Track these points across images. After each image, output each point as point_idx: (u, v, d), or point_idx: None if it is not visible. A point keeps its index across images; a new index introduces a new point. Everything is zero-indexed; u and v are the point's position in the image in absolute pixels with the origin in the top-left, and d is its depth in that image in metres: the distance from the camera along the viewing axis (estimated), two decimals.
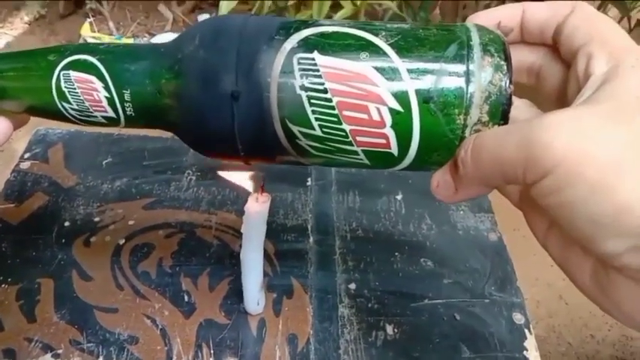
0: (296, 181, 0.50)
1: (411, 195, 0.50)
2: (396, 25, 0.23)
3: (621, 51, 0.21)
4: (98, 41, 0.30)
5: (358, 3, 1.28)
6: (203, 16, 1.59)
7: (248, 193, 0.32)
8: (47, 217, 0.44)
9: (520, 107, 0.25)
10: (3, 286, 0.39)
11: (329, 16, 1.35)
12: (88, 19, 1.51)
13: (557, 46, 0.24)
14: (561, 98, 0.24)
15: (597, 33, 0.22)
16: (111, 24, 1.54)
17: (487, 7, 1.50)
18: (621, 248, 0.17)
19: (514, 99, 0.24)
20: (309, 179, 0.50)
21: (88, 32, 1.42)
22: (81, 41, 1.41)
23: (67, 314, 0.37)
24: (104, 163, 0.50)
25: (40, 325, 0.36)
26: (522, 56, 0.26)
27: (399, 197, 0.49)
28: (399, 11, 1.50)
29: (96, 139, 0.52)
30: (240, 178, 0.30)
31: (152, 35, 1.48)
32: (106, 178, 0.48)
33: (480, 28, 0.23)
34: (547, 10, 0.24)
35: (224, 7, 1.18)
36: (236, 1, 1.18)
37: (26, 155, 0.50)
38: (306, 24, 0.24)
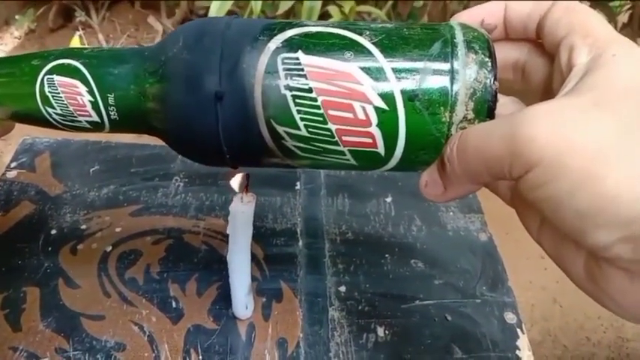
0: (285, 185, 0.50)
1: (401, 197, 0.49)
2: (380, 25, 0.23)
3: (603, 40, 0.21)
4: (83, 46, 0.29)
5: (347, 12, 1.29)
6: None
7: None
8: (33, 225, 0.44)
9: (507, 104, 0.25)
10: None
11: None
12: (78, 32, 1.51)
13: (540, 41, 0.24)
14: (547, 92, 0.24)
15: (578, 23, 0.22)
16: (100, 36, 1.55)
17: None
18: (610, 239, 0.17)
19: (500, 96, 0.24)
20: (297, 183, 0.50)
21: (77, 45, 1.42)
22: None
23: (52, 322, 0.37)
24: (91, 170, 0.49)
25: (26, 334, 0.36)
26: (507, 53, 0.26)
27: (388, 199, 0.49)
28: (388, 19, 1.51)
29: (83, 147, 0.52)
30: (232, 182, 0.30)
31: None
32: (93, 185, 0.48)
33: (464, 27, 0.23)
34: (529, 5, 0.24)
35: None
36: (223, 13, 1.19)
37: (13, 164, 0.50)
38: (290, 25, 0.24)
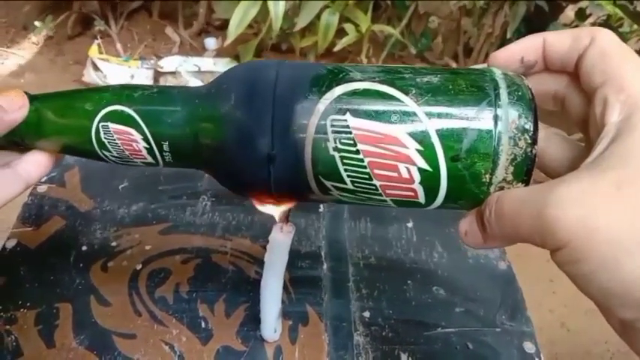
0: (309, 207, 0.50)
1: (422, 222, 0.50)
2: (425, 79, 0.24)
3: (635, 99, 0.21)
4: (132, 85, 0.29)
5: (363, 31, 1.30)
6: (210, 40, 1.62)
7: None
8: (65, 241, 0.45)
9: (550, 138, 0.25)
10: (22, 310, 0.39)
11: (333, 43, 1.38)
12: (96, 41, 1.53)
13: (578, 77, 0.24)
14: (585, 127, 0.24)
15: (613, 73, 0.22)
16: (118, 46, 1.57)
17: (489, 35, 1.52)
18: (633, 316, 0.19)
19: (542, 127, 0.24)
20: (321, 206, 0.51)
21: (95, 54, 1.44)
22: (88, 63, 1.42)
23: (85, 339, 0.37)
24: (120, 187, 0.51)
25: (59, 351, 0.37)
26: (546, 85, 0.26)
27: (410, 225, 0.50)
28: (402, 37, 1.53)
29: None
30: (266, 208, 0.31)
31: (159, 57, 1.50)
32: (123, 202, 0.49)
33: (509, 83, 0.23)
34: (567, 41, 0.24)
35: (232, 32, 1.20)
36: (243, 27, 1.21)
37: (43, 179, 0.51)
38: (337, 79, 0.24)
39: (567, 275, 0.20)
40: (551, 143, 0.25)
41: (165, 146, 0.27)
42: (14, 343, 0.37)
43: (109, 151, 0.28)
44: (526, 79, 0.24)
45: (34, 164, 0.30)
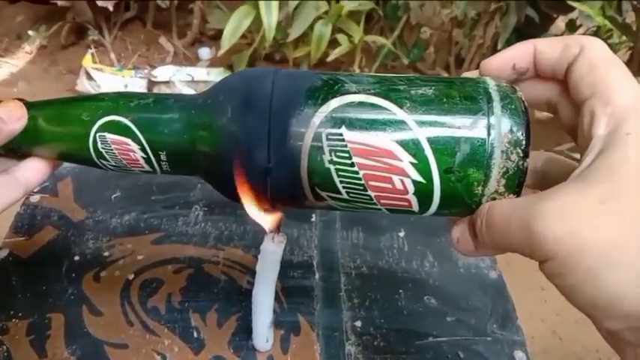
0: (301, 216, 0.51)
1: (414, 232, 0.51)
2: (420, 91, 0.24)
3: (621, 112, 0.21)
4: (127, 93, 0.29)
5: (355, 42, 1.31)
6: (203, 50, 1.62)
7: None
8: (57, 250, 0.45)
9: (550, 161, 0.26)
10: (14, 320, 0.39)
11: (326, 53, 1.39)
12: (90, 50, 1.54)
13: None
14: (575, 135, 0.24)
15: (601, 86, 0.22)
16: (112, 55, 1.57)
17: (480, 46, 1.54)
18: (618, 327, 0.19)
19: (540, 153, 0.25)
20: (313, 215, 0.51)
21: (89, 63, 1.44)
22: (82, 72, 1.43)
23: (77, 350, 0.37)
24: (113, 197, 0.51)
25: None
26: (539, 92, 0.26)
27: (401, 234, 0.51)
28: (394, 48, 1.54)
29: (105, 173, 0.53)
30: (258, 216, 0.31)
31: (153, 67, 1.50)
32: (115, 212, 0.49)
33: (503, 96, 0.24)
34: (557, 49, 0.24)
35: (226, 42, 1.21)
36: (237, 37, 1.21)
37: (36, 188, 0.51)
38: (333, 90, 0.25)
39: (555, 286, 0.20)
40: (552, 165, 0.26)
41: (163, 156, 0.27)
42: (6, 354, 0.37)
43: (107, 160, 0.28)
44: (519, 88, 0.25)
45: (33, 170, 0.30)
